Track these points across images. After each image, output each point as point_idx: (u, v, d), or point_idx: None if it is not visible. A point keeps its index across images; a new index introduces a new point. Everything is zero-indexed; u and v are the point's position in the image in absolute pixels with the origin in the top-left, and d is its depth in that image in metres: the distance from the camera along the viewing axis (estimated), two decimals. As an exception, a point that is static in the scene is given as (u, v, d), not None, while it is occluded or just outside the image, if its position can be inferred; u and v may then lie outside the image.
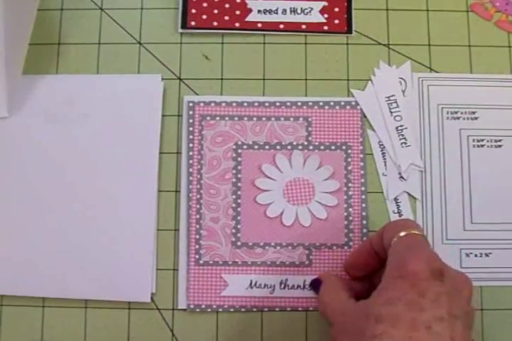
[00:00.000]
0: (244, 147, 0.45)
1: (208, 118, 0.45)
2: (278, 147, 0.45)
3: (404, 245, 0.34)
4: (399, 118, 0.45)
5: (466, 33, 0.47)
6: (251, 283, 0.43)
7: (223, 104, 0.45)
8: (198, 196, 0.44)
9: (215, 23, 0.47)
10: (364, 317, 0.31)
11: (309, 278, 0.43)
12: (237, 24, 0.47)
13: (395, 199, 0.44)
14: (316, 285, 0.41)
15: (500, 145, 0.45)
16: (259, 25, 0.47)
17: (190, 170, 0.44)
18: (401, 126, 0.45)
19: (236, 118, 0.45)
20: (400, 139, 0.45)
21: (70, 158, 0.44)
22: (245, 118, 0.45)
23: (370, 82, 0.46)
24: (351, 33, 0.47)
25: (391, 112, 0.45)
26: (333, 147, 0.45)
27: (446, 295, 0.31)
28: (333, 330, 0.35)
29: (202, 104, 0.45)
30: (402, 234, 0.34)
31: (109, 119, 0.45)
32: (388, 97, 0.46)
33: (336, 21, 0.47)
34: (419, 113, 0.46)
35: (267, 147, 0.45)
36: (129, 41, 0.47)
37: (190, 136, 0.45)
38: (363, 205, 0.44)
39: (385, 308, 0.31)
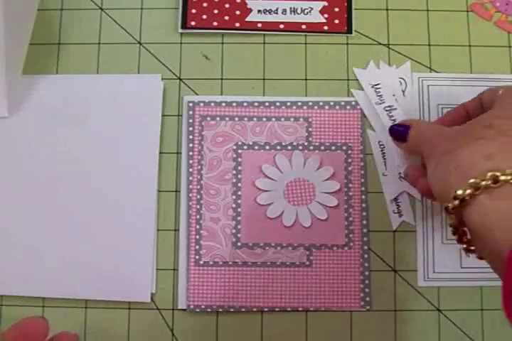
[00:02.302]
0: (245, 147, 0.45)
1: (209, 118, 0.45)
2: (278, 147, 0.45)
3: None
4: (399, 118, 0.45)
5: (466, 33, 0.47)
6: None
7: (223, 104, 0.45)
8: (198, 196, 0.44)
9: (215, 23, 0.47)
10: (474, 124, 0.33)
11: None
12: (237, 24, 0.47)
13: (395, 199, 0.44)
14: (399, 131, 0.40)
15: (500, 146, 0.45)
16: (259, 25, 0.47)
17: (190, 170, 0.44)
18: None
19: (236, 119, 0.45)
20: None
21: (70, 158, 0.44)
22: (245, 119, 0.45)
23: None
24: (351, 33, 0.47)
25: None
26: (333, 147, 0.45)
27: None
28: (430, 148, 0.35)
29: (202, 104, 0.45)
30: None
31: (109, 119, 0.45)
32: (388, 97, 0.46)
33: (336, 21, 0.47)
34: (419, 113, 0.46)
35: (267, 147, 0.45)
36: (129, 41, 0.47)
37: (190, 136, 0.45)
38: (363, 205, 0.44)
39: (498, 120, 0.32)
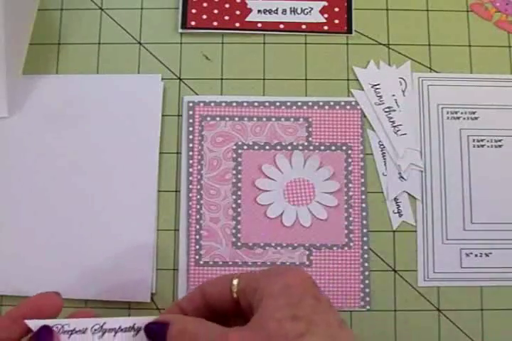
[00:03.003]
0: (245, 147, 0.45)
1: (209, 118, 0.45)
2: (278, 147, 0.45)
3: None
4: (399, 118, 0.45)
5: (466, 33, 0.47)
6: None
7: (223, 104, 0.45)
8: (198, 196, 0.44)
9: (215, 23, 0.47)
10: (275, 323, 0.27)
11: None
12: (237, 24, 0.47)
13: (395, 199, 0.44)
14: (153, 330, 0.30)
15: (500, 145, 0.45)
16: (259, 25, 0.47)
17: (190, 170, 0.44)
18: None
19: (236, 119, 0.45)
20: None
21: (69, 158, 0.44)
22: (245, 119, 0.45)
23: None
24: (351, 33, 0.47)
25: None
26: (333, 147, 0.45)
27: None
28: None
29: (202, 104, 0.45)
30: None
31: (109, 119, 0.45)
32: (388, 97, 0.46)
33: (336, 21, 0.47)
34: (419, 113, 0.46)
35: (267, 147, 0.45)
36: (129, 41, 0.47)
37: (190, 136, 0.45)
38: (363, 205, 0.44)
39: (294, 309, 0.27)
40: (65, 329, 0.29)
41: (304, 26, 0.47)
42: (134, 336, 0.30)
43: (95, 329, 0.30)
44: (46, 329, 0.29)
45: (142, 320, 0.30)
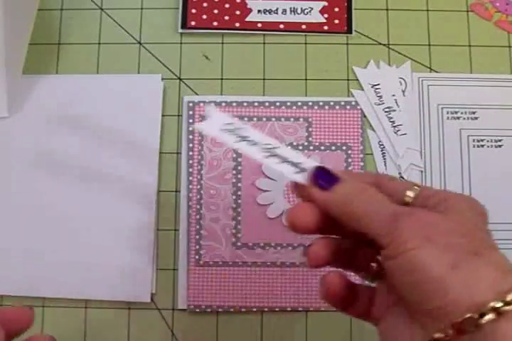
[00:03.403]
0: (245, 147, 0.45)
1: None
2: (278, 147, 0.45)
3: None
4: (399, 118, 0.45)
5: (466, 33, 0.47)
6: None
7: (223, 104, 0.45)
8: (198, 196, 0.44)
9: (215, 23, 0.47)
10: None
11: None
12: (237, 24, 0.47)
13: (395, 199, 0.44)
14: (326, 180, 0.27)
15: (500, 145, 0.45)
16: (259, 25, 0.47)
17: (190, 170, 0.44)
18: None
19: (236, 119, 0.45)
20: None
21: (69, 158, 0.44)
22: (245, 119, 0.45)
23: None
24: (351, 33, 0.47)
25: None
26: (333, 147, 0.45)
27: None
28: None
29: (202, 104, 0.45)
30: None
31: (109, 119, 0.45)
32: (388, 97, 0.46)
33: (336, 21, 0.47)
34: (419, 113, 0.46)
35: (267, 147, 0.45)
36: (129, 41, 0.47)
37: (190, 136, 0.45)
38: (363, 205, 0.44)
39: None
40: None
41: (304, 26, 0.47)
42: (297, 173, 0.28)
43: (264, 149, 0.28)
44: None
45: (309, 162, 0.28)
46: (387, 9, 0.48)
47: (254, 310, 0.43)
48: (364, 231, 0.25)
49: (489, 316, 0.22)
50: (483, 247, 0.25)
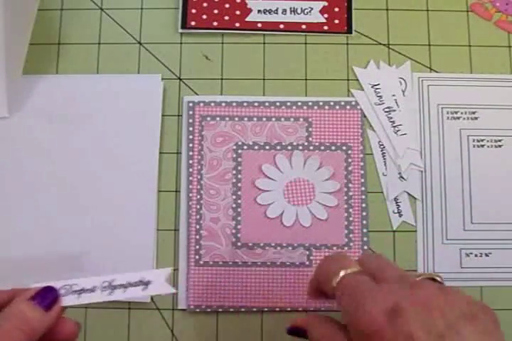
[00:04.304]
0: (245, 147, 0.45)
1: (209, 118, 0.45)
2: (278, 147, 0.45)
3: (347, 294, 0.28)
4: (399, 118, 0.45)
5: (466, 33, 0.47)
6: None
7: (223, 104, 0.45)
8: (198, 196, 0.44)
9: (215, 23, 0.47)
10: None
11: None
12: (237, 24, 0.47)
13: (395, 199, 0.44)
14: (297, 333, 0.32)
15: (500, 145, 0.45)
16: (259, 25, 0.47)
17: (190, 170, 0.44)
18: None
19: (236, 119, 0.45)
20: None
21: (70, 158, 0.44)
22: (245, 119, 0.45)
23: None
24: (351, 33, 0.47)
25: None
26: (333, 147, 0.45)
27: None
28: None
29: (202, 104, 0.45)
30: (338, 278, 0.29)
31: (109, 119, 0.45)
32: (388, 97, 0.46)
33: (336, 21, 0.47)
34: (419, 113, 0.46)
35: (267, 147, 0.45)
36: (129, 41, 0.47)
37: (190, 136, 0.45)
38: (363, 205, 0.44)
39: None
40: (74, 289, 0.29)
41: (303, 26, 0.47)
42: (144, 290, 0.30)
43: (104, 287, 0.30)
44: (51, 290, 0.29)
45: (150, 273, 0.30)
46: (387, 9, 0.48)
47: (254, 310, 0.43)
48: None
49: None
50: None
